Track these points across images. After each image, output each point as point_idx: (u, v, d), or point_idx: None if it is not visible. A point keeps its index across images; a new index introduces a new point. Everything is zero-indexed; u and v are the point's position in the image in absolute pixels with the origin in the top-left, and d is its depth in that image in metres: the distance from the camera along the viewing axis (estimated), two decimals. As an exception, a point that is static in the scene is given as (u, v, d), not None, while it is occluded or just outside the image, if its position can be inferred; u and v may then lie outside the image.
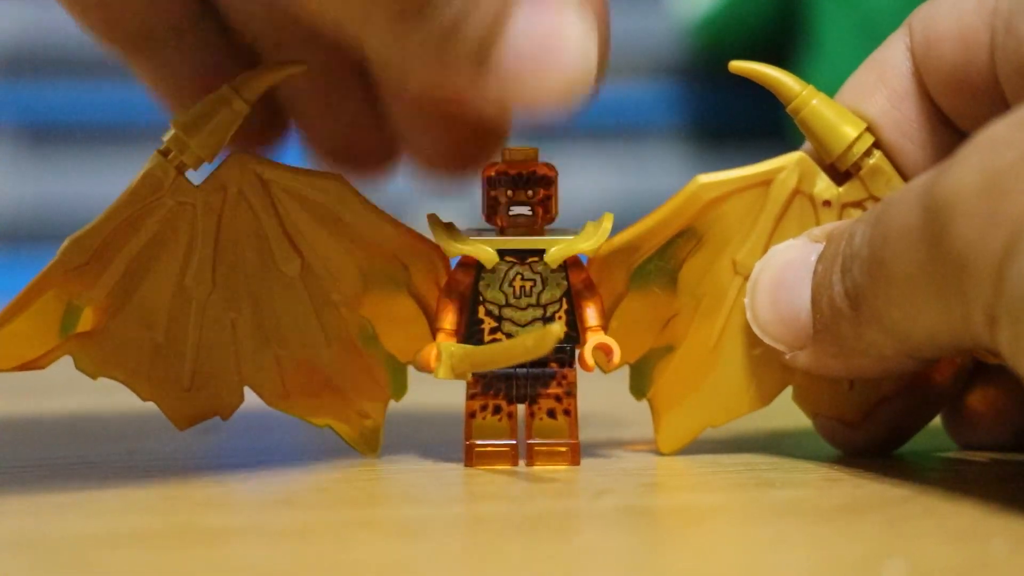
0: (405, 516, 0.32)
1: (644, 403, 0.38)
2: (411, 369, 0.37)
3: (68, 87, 1.21)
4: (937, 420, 0.40)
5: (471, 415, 0.36)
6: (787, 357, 0.35)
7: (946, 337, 0.31)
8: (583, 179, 1.27)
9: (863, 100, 0.37)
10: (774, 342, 0.35)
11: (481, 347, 0.35)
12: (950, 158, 0.30)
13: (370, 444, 0.38)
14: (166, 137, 0.36)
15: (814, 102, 0.36)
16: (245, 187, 0.36)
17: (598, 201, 1.22)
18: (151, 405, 0.37)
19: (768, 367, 0.37)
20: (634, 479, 0.36)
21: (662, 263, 0.37)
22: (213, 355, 0.37)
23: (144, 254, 0.36)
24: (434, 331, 0.36)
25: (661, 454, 0.38)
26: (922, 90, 0.36)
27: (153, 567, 0.27)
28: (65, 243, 0.36)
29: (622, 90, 1.31)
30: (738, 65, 0.37)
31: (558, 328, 0.32)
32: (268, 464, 0.38)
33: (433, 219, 0.36)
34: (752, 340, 0.37)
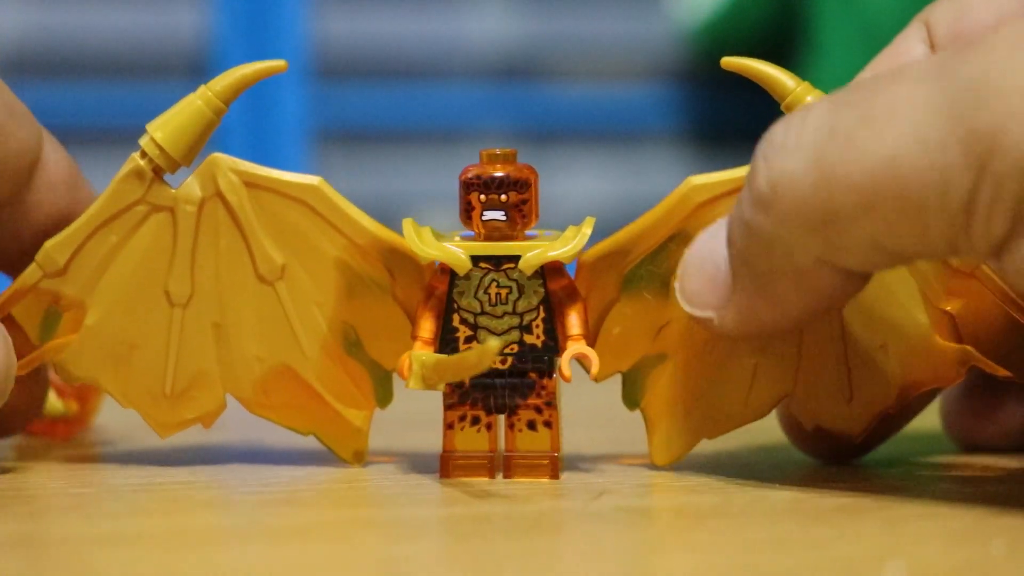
0: (404, 516, 0.32)
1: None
2: (397, 377, 0.37)
3: (69, 88, 1.21)
4: (937, 421, 0.40)
5: (449, 426, 0.35)
6: (716, 323, 0.33)
7: (914, 235, 0.29)
8: (580, 182, 1.27)
9: None
10: (702, 311, 0.33)
11: (445, 357, 0.34)
12: (972, 44, 0.29)
13: (356, 454, 0.37)
14: (142, 141, 0.35)
15: (808, 99, 0.35)
16: (224, 190, 0.36)
17: (596, 204, 1.22)
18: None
19: (764, 378, 0.36)
20: (632, 480, 0.36)
21: (653, 268, 0.36)
22: (194, 361, 0.36)
23: (123, 259, 0.36)
24: (413, 339, 0.35)
25: (655, 468, 0.37)
26: None
27: (153, 567, 0.27)
28: (43, 248, 0.35)
29: (621, 93, 1.31)
30: (731, 61, 0.36)
31: (496, 344, 0.31)
32: (268, 464, 0.38)
33: (409, 223, 0.35)
34: (748, 350, 0.36)
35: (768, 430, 0.40)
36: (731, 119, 1.27)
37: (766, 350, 0.36)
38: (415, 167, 1.28)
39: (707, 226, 0.34)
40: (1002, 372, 0.35)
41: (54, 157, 0.36)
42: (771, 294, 0.32)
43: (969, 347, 0.35)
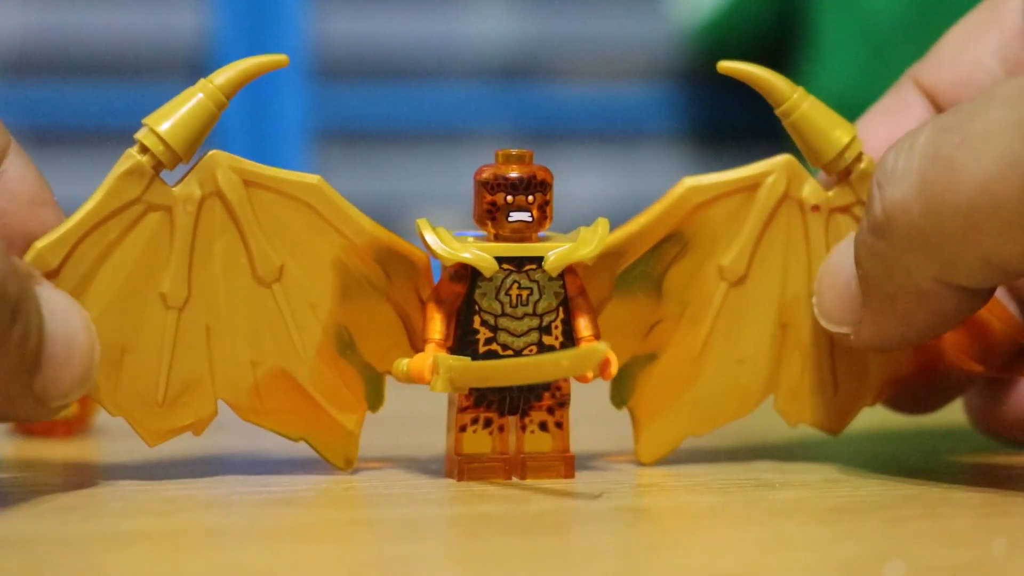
0: (404, 516, 0.32)
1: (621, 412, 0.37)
2: (389, 379, 0.36)
3: (71, 89, 1.21)
4: (935, 422, 0.40)
5: (461, 429, 0.35)
6: (853, 339, 0.34)
7: (1022, 253, 0.30)
8: (581, 182, 1.27)
9: (976, 38, 0.37)
10: (838, 327, 0.35)
11: (490, 362, 0.34)
12: None
13: (346, 458, 0.36)
14: (140, 135, 0.34)
15: (805, 106, 0.35)
16: (223, 188, 0.35)
17: (596, 204, 1.22)
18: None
19: (751, 376, 0.36)
20: (632, 480, 0.36)
21: (647, 268, 0.36)
22: (188, 367, 0.35)
23: (117, 260, 0.34)
24: (421, 341, 0.35)
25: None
26: None
27: (153, 567, 0.27)
28: (33, 248, 0.34)
29: (620, 93, 1.31)
30: (727, 66, 0.36)
31: (603, 346, 0.31)
32: (268, 464, 0.38)
33: (423, 224, 0.35)
34: (736, 348, 0.36)
35: (768, 430, 0.41)
36: (731, 119, 1.27)
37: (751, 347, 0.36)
38: (415, 167, 1.28)
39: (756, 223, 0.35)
40: (976, 368, 0.36)
41: (19, 170, 0.35)
42: (898, 312, 0.33)
43: (944, 344, 0.36)
